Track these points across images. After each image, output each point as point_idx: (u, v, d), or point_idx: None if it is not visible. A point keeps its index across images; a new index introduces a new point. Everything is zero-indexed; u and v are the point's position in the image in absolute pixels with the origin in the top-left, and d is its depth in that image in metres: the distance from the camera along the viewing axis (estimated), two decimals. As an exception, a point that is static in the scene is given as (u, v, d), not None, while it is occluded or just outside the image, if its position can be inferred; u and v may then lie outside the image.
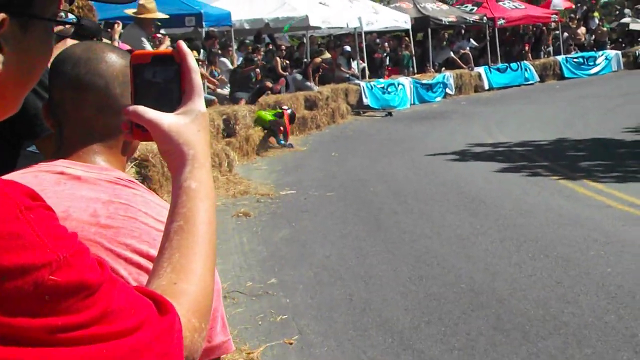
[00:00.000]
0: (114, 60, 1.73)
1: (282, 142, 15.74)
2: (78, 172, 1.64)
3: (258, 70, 17.29)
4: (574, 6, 35.99)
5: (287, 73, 19.91)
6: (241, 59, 18.71)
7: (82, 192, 1.59)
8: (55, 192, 1.58)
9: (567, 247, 7.73)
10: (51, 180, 1.61)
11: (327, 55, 22.20)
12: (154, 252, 1.52)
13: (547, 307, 6.07)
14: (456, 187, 11.13)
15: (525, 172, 12.06)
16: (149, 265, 1.51)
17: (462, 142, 15.59)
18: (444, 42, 28.14)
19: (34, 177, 1.62)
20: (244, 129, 14.78)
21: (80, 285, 0.95)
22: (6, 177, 1.63)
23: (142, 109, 1.28)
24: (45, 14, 1.09)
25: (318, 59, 21.04)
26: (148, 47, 11.37)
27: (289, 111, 16.11)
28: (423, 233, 8.64)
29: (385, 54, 25.99)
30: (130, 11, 12.11)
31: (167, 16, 12.96)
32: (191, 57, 1.33)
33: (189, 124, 1.30)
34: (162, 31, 13.21)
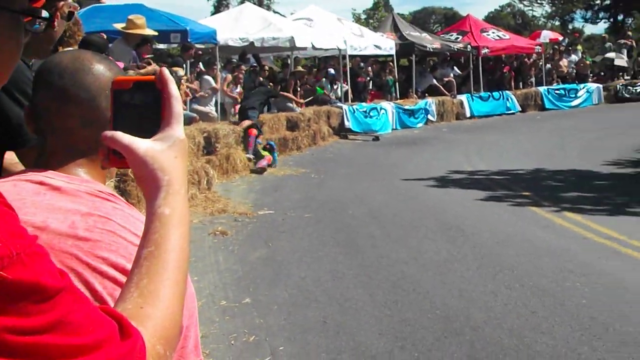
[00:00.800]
0: (101, 71, 1.71)
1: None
2: (58, 183, 1.61)
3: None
4: (561, 38, 36.30)
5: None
6: (223, 75, 18.67)
7: (61, 204, 1.57)
8: (34, 202, 1.56)
9: (543, 277, 7.73)
10: (30, 190, 1.59)
11: (302, 70, 22.19)
12: (130, 267, 1.51)
13: (521, 336, 6.07)
14: (434, 213, 11.15)
15: (504, 201, 12.09)
16: (125, 280, 1.49)
17: (442, 169, 15.64)
18: (428, 69, 28.32)
19: (12, 185, 1.60)
20: (224, 148, 14.76)
21: (33, 287, 0.91)
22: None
23: (119, 135, 1.26)
24: (12, 6, 1.05)
25: (292, 82, 20.93)
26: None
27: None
28: (400, 258, 8.63)
29: (368, 78, 26.11)
30: (119, 26, 12.07)
31: (156, 33, 12.96)
32: (173, 83, 1.31)
33: (165, 150, 1.28)
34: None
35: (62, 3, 2.29)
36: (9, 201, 1.46)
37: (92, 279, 1.48)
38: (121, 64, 10.47)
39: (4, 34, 1.05)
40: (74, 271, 1.46)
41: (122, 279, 1.49)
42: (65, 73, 1.68)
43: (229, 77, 18.61)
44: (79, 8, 2.57)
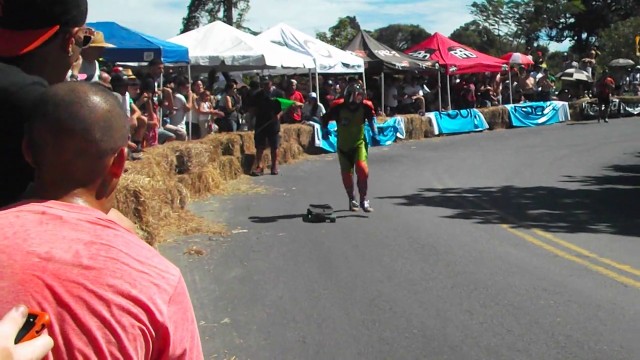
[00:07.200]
0: (96, 103, 1.72)
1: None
2: (59, 212, 1.65)
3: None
4: (533, 63, 36.36)
5: (235, 110, 20.09)
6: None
7: (64, 233, 1.61)
8: (38, 232, 1.59)
9: (517, 295, 7.84)
10: (34, 221, 1.62)
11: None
12: (135, 293, 1.56)
13: (498, 355, 6.15)
14: (406, 231, 11.24)
15: (475, 219, 12.21)
16: (131, 306, 1.55)
17: (412, 187, 15.76)
18: (397, 87, 28.51)
19: (15, 216, 1.63)
20: (197, 167, 14.76)
21: None
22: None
23: None
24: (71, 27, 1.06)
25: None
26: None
27: None
28: (374, 277, 8.69)
29: (337, 96, 26.20)
30: None
31: (114, 45, 12.89)
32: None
33: None
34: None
35: (76, 29, 2.27)
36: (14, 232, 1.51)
37: (100, 307, 1.52)
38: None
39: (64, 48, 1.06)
40: (82, 300, 1.51)
41: (128, 305, 1.55)
42: (60, 105, 1.70)
43: (193, 95, 18.54)
44: (94, 31, 2.54)
